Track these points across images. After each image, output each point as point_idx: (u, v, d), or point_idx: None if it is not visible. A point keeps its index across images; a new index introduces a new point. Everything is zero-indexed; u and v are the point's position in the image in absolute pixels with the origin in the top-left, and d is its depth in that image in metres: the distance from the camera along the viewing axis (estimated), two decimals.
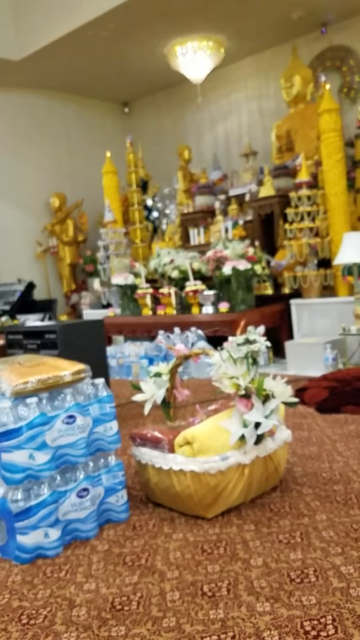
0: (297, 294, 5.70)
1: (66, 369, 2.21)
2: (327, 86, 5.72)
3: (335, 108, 5.54)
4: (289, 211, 5.63)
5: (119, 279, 6.37)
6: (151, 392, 2.54)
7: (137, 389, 2.58)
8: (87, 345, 3.72)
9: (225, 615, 1.60)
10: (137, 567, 1.91)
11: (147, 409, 2.53)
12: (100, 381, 2.31)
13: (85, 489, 2.14)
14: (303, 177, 5.66)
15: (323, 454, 2.88)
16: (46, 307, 7.26)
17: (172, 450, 2.28)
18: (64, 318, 7.87)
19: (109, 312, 6.65)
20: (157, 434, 2.37)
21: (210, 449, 2.21)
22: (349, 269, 5.04)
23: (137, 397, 2.57)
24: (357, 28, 6.69)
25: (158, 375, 2.56)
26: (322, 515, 2.17)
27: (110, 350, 5.61)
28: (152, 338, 5.86)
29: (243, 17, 6.42)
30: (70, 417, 2.12)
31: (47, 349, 3.67)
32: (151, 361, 5.13)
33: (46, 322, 4.88)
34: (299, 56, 6.92)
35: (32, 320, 5.76)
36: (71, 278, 8.37)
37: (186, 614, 1.62)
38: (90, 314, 7.44)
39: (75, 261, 8.35)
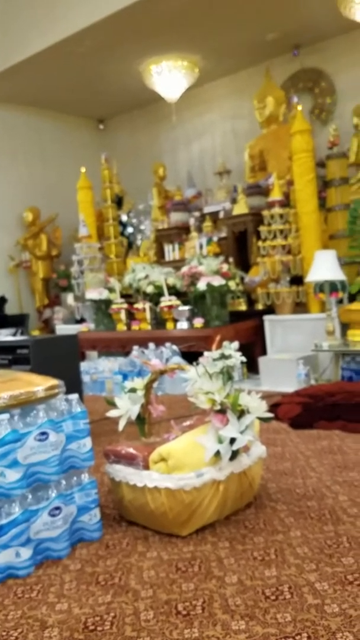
0: (270, 310, 5.76)
1: (39, 384, 2.18)
2: (299, 107, 5.85)
3: (307, 129, 5.67)
4: (262, 229, 5.71)
5: (93, 294, 6.35)
6: (126, 408, 2.52)
7: (112, 404, 2.56)
8: (60, 360, 3.68)
9: (200, 634, 1.58)
10: (111, 587, 1.88)
11: (121, 425, 2.51)
12: (74, 397, 2.27)
13: (58, 508, 2.11)
14: (275, 196, 5.75)
15: (297, 470, 2.89)
16: (18, 322, 7.18)
17: (146, 467, 2.26)
18: (36, 333, 7.78)
19: (82, 327, 6.60)
20: (131, 450, 2.35)
21: (185, 465, 2.20)
22: (320, 286, 5.12)
23: (112, 413, 2.55)
24: (328, 51, 6.87)
25: (133, 390, 2.54)
26: (297, 532, 2.17)
27: (83, 365, 5.56)
28: (126, 353, 5.83)
29: (218, 37, 6.53)
30: (43, 433, 2.09)
31: (19, 364, 3.62)
32: (125, 377, 5.10)
33: (18, 337, 4.81)
34: (272, 77, 7.05)
35: (4, 335, 5.67)
36: (44, 293, 8.30)
37: (160, 634, 1.60)
38: (63, 329, 7.38)
39: (49, 276, 8.28)
